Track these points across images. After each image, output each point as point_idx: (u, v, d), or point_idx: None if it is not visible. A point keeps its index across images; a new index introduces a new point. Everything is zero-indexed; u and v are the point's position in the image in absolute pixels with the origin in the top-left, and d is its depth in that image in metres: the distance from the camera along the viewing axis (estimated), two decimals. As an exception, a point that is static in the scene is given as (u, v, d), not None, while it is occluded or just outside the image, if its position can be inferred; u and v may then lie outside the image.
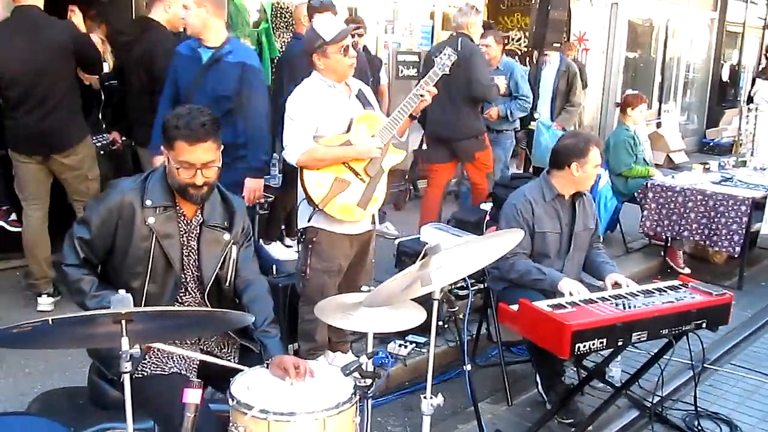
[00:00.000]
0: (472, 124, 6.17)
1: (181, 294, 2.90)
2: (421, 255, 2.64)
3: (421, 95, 3.87)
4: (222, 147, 2.85)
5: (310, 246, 3.97)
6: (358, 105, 3.99)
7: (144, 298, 2.79)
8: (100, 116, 5.51)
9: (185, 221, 2.87)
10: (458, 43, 5.79)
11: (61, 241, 2.85)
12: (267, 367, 2.72)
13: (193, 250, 2.89)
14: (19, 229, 5.14)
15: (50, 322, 2.05)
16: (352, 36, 4.01)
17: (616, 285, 3.93)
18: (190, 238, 2.88)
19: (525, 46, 10.33)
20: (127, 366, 2.18)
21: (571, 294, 3.75)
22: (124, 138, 5.52)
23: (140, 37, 4.99)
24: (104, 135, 5.51)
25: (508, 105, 6.93)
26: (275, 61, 7.02)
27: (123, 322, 2.18)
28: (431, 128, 6.36)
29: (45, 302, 4.92)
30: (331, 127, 3.86)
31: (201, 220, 2.89)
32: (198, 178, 2.74)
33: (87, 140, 4.93)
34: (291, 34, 7.07)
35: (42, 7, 4.68)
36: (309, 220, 3.91)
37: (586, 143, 4.05)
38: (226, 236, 2.92)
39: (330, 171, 3.84)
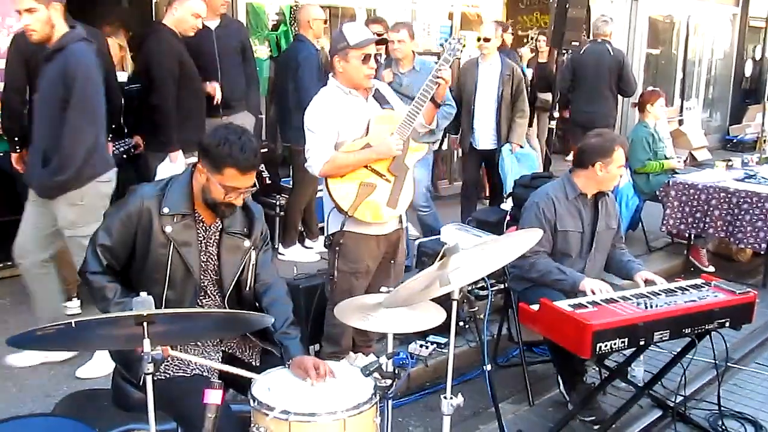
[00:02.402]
0: (610, 113, 7.69)
1: (201, 298, 2.92)
2: (440, 255, 2.65)
3: (437, 78, 3.84)
4: None
5: (337, 249, 3.96)
6: (376, 105, 3.99)
7: (164, 304, 2.81)
8: (122, 121, 5.56)
9: (204, 227, 2.89)
10: (608, 47, 7.59)
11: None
12: (288, 368, 2.73)
13: (212, 256, 2.91)
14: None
15: (73, 324, 2.08)
16: (378, 45, 4.00)
17: (648, 282, 3.91)
18: (208, 244, 2.90)
19: (531, 48, 10.28)
20: (149, 367, 2.20)
21: (593, 293, 3.73)
22: (145, 142, 5.56)
23: (145, 42, 5.06)
24: (126, 140, 5.56)
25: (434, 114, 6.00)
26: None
27: (144, 323, 2.21)
28: (576, 116, 7.80)
29: (74, 305, 4.95)
30: (350, 132, 3.86)
31: (220, 227, 2.91)
32: (239, 200, 2.79)
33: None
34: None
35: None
36: (341, 228, 3.90)
37: (611, 143, 4.03)
38: (247, 243, 2.94)
39: (354, 178, 3.83)
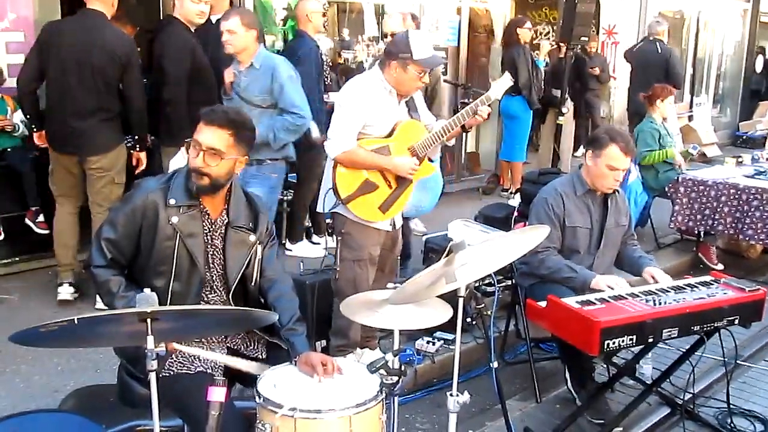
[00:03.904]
0: None
1: (207, 292, 2.92)
2: (446, 252, 2.63)
3: (476, 114, 3.85)
4: (247, 157, 2.93)
5: (339, 238, 4.01)
6: (405, 111, 4.01)
7: (169, 297, 2.81)
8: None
9: (210, 221, 2.89)
10: (657, 45, 8.61)
11: (89, 241, 2.89)
12: (295, 365, 2.72)
13: (217, 250, 2.90)
14: (46, 232, 5.22)
15: (75, 321, 2.07)
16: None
17: (654, 279, 3.87)
18: (214, 237, 2.90)
19: (553, 41, 10.22)
20: (152, 364, 2.19)
21: (611, 288, 3.70)
22: (153, 137, 5.55)
23: (158, 36, 5.06)
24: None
25: (272, 124, 4.73)
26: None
27: (148, 320, 2.20)
28: (633, 106, 8.74)
29: (66, 291, 5.02)
30: (375, 127, 3.88)
31: (226, 221, 2.91)
32: (198, 160, 2.76)
33: (120, 147, 4.94)
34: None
35: (109, 16, 4.76)
36: (332, 208, 3.97)
37: (608, 138, 3.94)
38: (252, 237, 2.94)
39: (362, 171, 3.87)
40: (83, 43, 4.64)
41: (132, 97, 4.81)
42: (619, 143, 3.91)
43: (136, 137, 4.97)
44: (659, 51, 8.68)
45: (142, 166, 5.04)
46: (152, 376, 2.21)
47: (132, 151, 5.01)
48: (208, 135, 2.77)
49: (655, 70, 8.58)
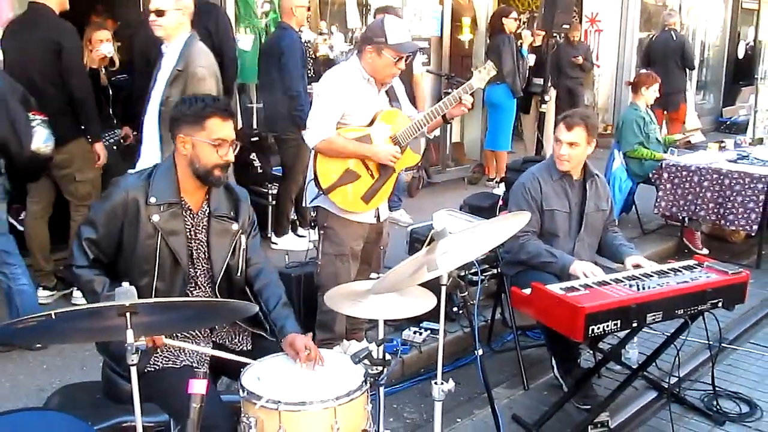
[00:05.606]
0: (680, 83, 9.88)
1: (191, 288, 2.90)
2: (427, 240, 2.63)
3: (460, 102, 3.84)
4: None
5: (322, 232, 4.01)
6: (385, 100, 3.99)
7: (153, 295, 2.78)
8: (111, 112, 5.53)
9: (191, 215, 2.86)
10: (672, 34, 9.81)
11: (64, 237, 2.86)
12: (279, 343, 2.75)
13: (201, 243, 2.88)
14: (28, 229, 5.20)
15: (53, 316, 2.05)
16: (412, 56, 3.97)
17: (637, 267, 3.88)
18: (197, 231, 2.88)
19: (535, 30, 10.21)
20: (133, 358, 2.18)
21: (585, 275, 3.72)
22: (135, 132, 5.52)
23: (139, 30, 5.02)
24: (116, 131, 5.53)
25: None
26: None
27: (127, 314, 2.18)
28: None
29: (42, 294, 4.99)
30: (355, 117, 3.87)
31: (208, 212, 2.89)
32: (231, 154, 2.77)
33: (76, 143, 4.85)
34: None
35: (57, 10, 4.69)
36: (312, 201, 3.97)
37: (562, 116, 4.10)
38: (234, 226, 2.93)
39: (343, 161, 3.85)
40: (21, 38, 4.65)
41: (70, 85, 4.70)
42: (565, 120, 4.03)
43: (85, 128, 4.87)
44: (674, 38, 9.81)
45: (101, 161, 4.94)
46: (133, 371, 2.20)
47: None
48: (229, 129, 2.78)
49: (673, 56, 9.74)
